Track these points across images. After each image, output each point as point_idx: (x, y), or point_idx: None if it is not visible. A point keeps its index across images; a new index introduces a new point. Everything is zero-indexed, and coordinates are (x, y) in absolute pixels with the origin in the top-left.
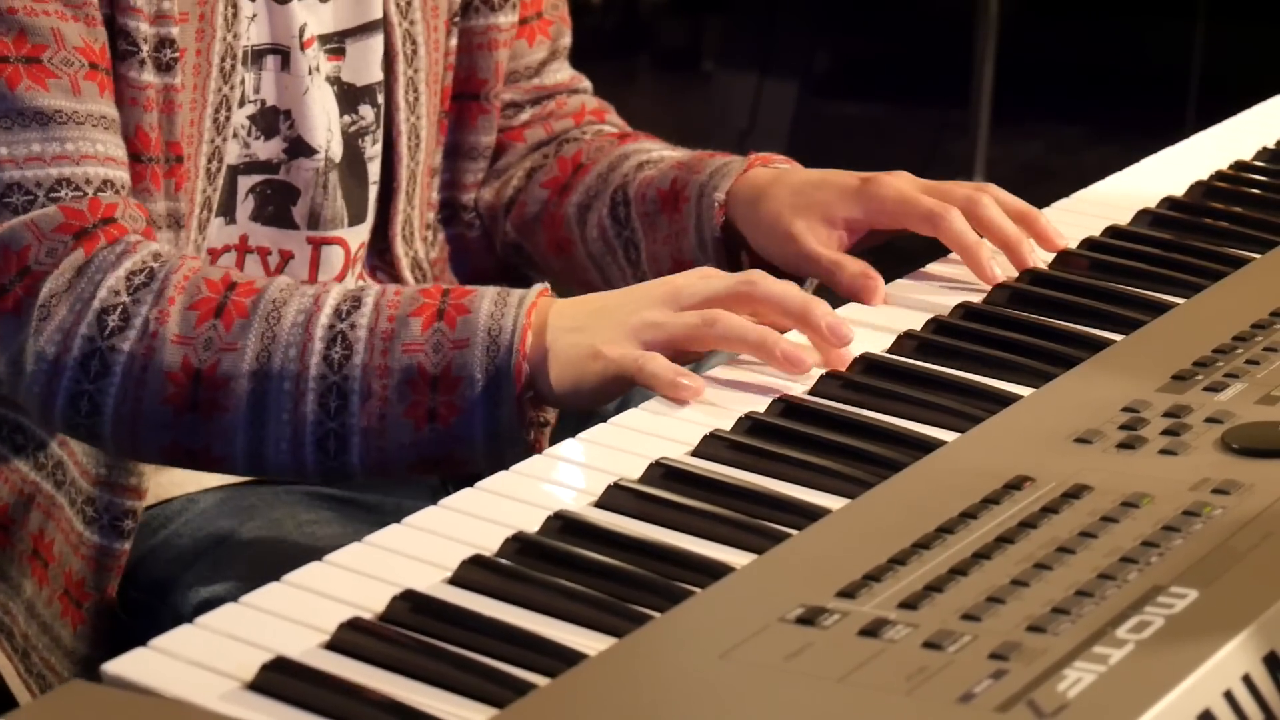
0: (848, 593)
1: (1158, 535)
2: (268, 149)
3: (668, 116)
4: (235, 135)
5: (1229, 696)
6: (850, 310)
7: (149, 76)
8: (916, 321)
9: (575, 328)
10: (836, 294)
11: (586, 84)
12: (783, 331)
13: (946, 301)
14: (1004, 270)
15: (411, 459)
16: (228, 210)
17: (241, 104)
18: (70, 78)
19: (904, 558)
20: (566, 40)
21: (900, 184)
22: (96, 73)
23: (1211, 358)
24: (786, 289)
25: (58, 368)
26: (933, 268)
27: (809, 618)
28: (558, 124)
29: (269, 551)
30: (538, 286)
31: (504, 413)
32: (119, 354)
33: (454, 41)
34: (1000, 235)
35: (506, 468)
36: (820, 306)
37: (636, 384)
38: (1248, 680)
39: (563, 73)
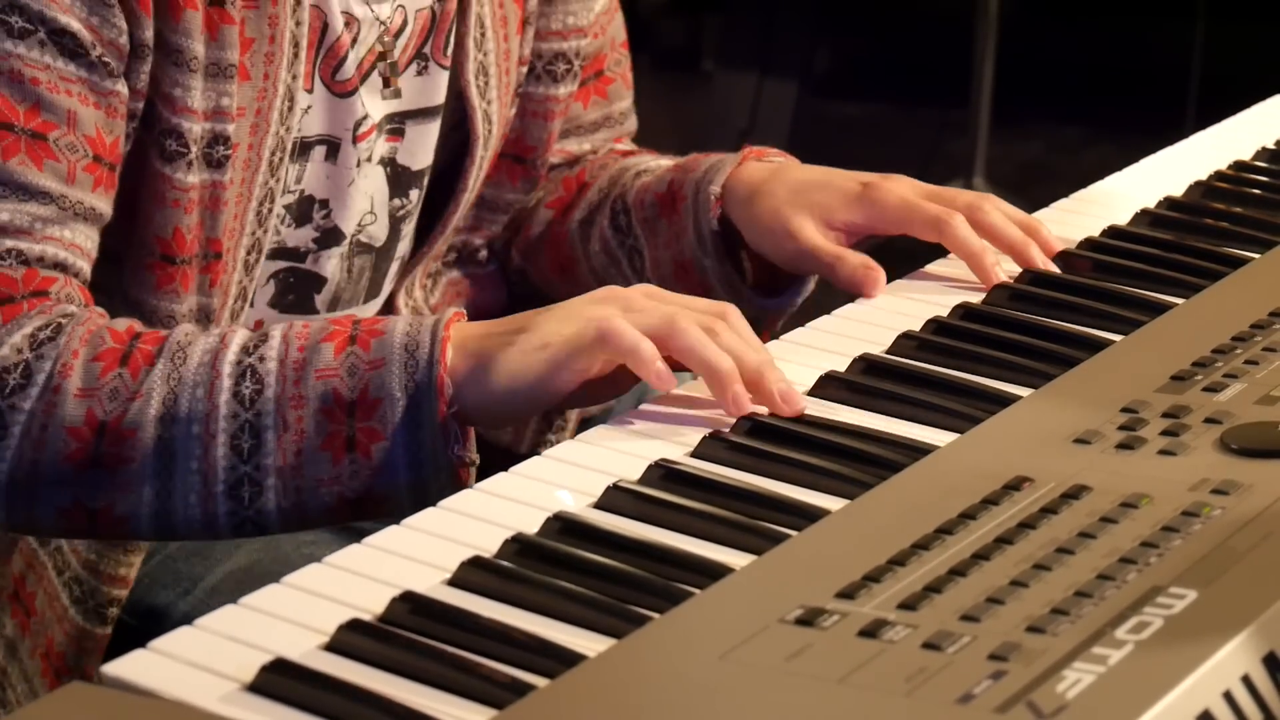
0: (847, 594)
1: (1157, 536)
2: (296, 236)
3: (668, 116)
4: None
5: (1228, 697)
6: (853, 308)
7: (194, 177)
8: (916, 322)
9: (511, 331)
10: (837, 289)
11: (631, 134)
12: None
13: (947, 301)
14: (1009, 275)
15: (331, 500)
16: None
17: (282, 194)
18: (70, 165)
19: (903, 559)
20: (622, 105)
21: (902, 189)
22: (98, 165)
23: (1211, 358)
24: (745, 346)
25: None
26: (933, 267)
27: (808, 619)
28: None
29: (267, 575)
30: (452, 309)
31: (426, 435)
32: (19, 413)
33: (513, 112)
34: (1005, 239)
35: (430, 503)
36: (774, 372)
37: (594, 361)
38: (1247, 681)
39: (608, 143)
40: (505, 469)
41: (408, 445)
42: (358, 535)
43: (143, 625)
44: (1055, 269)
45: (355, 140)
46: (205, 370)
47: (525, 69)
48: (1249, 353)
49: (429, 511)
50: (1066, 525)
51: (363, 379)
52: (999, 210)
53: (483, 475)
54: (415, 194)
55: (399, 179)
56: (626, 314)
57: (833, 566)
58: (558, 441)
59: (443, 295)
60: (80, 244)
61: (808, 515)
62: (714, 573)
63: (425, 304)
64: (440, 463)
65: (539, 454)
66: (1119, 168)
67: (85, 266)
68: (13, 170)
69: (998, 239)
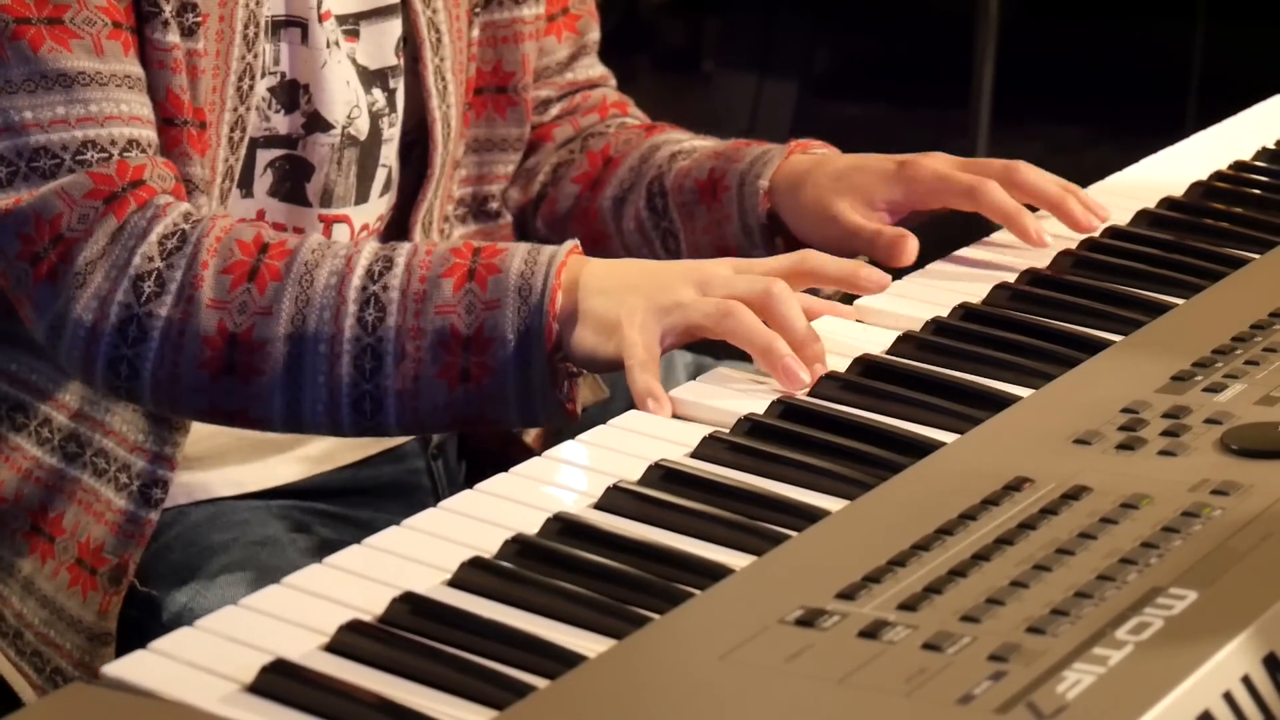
0: (847, 594)
1: (1157, 536)
2: (287, 123)
3: (668, 116)
4: (256, 107)
5: (1228, 698)
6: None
7: (174, 38)
8: (917, 322)
9: (606, 290)
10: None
11: (612, 80)
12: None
13: (947, 301)
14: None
15: (445, 419)
16: (246, 183)
17: (262, 75)
18: (93, 37)
19: (903, 559)
20: (594, 35)
21: (936, 163)
22: (120, 31)
23: (1211, 358)
24: (796, 317)
25: (95, 334)
26: (935, 266)
27: (808, 619)
28: (584, 119)
29: (265, 566)
30: (568, 244)
31: (535, 372)
32: (156, 319)
33: (475, 33)
34: (1045, 196)
35: (539, 425)
36: (779, 347)
37: (683, 338)
38: (1247, 681)
39: (594, 69)
40: (505, 469)
41: (518, 382)
42: (355, 531)
43: (141, 615)
44: (1097, 223)
45: (321, 20)
46: (332, 294)
47: None
48: (1249, 353)
49: (429, 512)
50: (1067, 526)
51: (479, 317)
52: (1034, 169)
53: (485, 476)
54: (378, 93)
55: (362, 77)
56: (698, 299)
57: (833, 567)
58: None
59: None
60: (139, 114)
61: (808, 516)
62: (714, 573)
63: None
64: (549, 398)
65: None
66: (1119, 168)
67: (153, 135)
68: (45, 60)
69: (1037, 195)
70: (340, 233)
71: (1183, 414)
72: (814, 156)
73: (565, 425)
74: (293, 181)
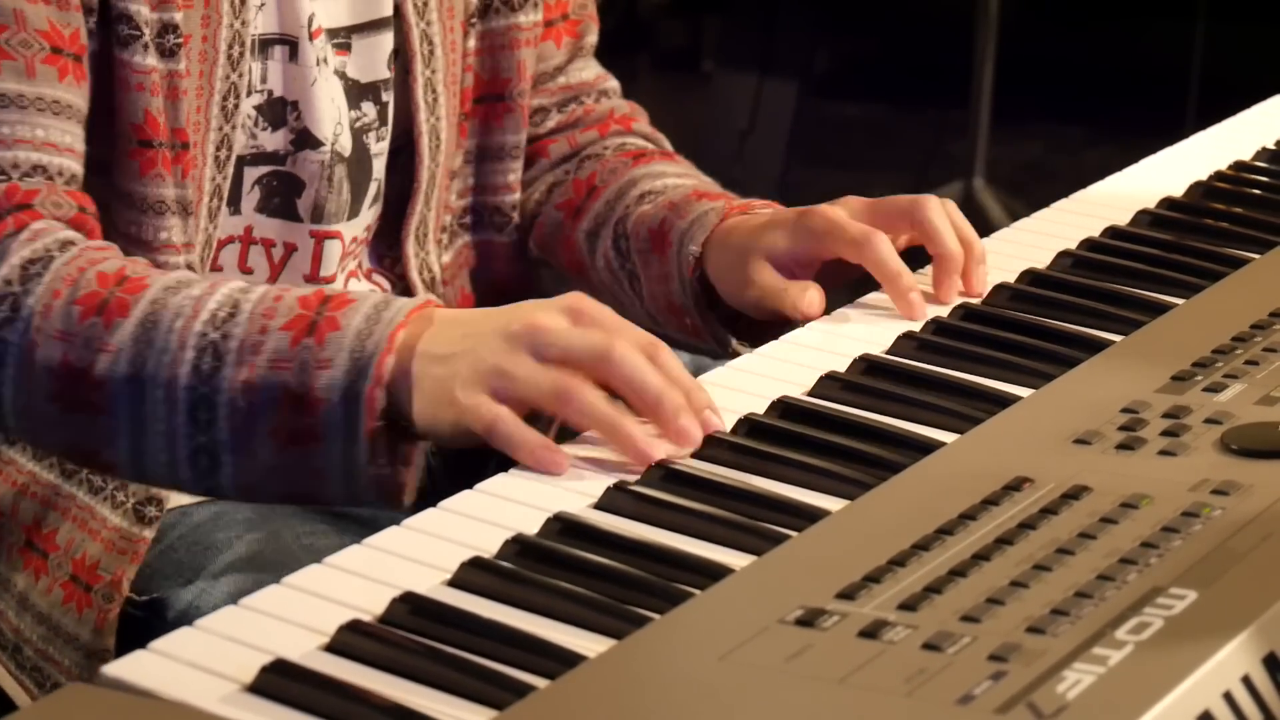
0: (847, 594)
1: (1157, 536)
2: (275, 140)
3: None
4: (242, 125)
5: (1228, 698)
6: (853, 309)
7: (153, 60)
8: (917, 322)
9: (441, 357)
10: (838, 291)
11: (614, 83)
12: None
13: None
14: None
15: (277, 486)
16: (234, 200)
17: (249, 93)
18: (27, 60)
19: (903, 559)
20: (592, 38)
21: (833, 212)
22: (59, 57)
23: (1211, 358)
24: (644, 372)
25: None
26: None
27: (808, 619)
28: (582, 136)
29: (269, 565)
30: (418, 299)
31: (358, 449)
32: (9, 346)
33: (471, 43)
34: (937, 244)
35: (364, 505)
36: (671, 401)
37: (483, 435)
38: (1247, 681)
39: (588, 70)
40: (506, 468)
41: (343, 453)
42: (358, 529)
43: (145, 616)
44: (954, 299)
45: (311, 38)
46: (173, 337)
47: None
48: (1249, 353)
49: (429, 512)
50: (1067, 526)
51: (311, 376)
52: (940, 211)
53: (486, 474)
54: (369, 106)
55: (351, 91)
56: (531, 370)
57: (833, 567)
58: None
59: (455, 257)
60: (56, 141)
61: (808, 516)
62: (714, 573)
63: (437, 261)
64: (367, 477)
65: None
66: (1119, 168)
67: (69, 164)
68: None
69: (930, 240)
70: (333, 249)
71: (1183, 414)
72: (741, 219)
73: (394, 510)
74: (282, 197)
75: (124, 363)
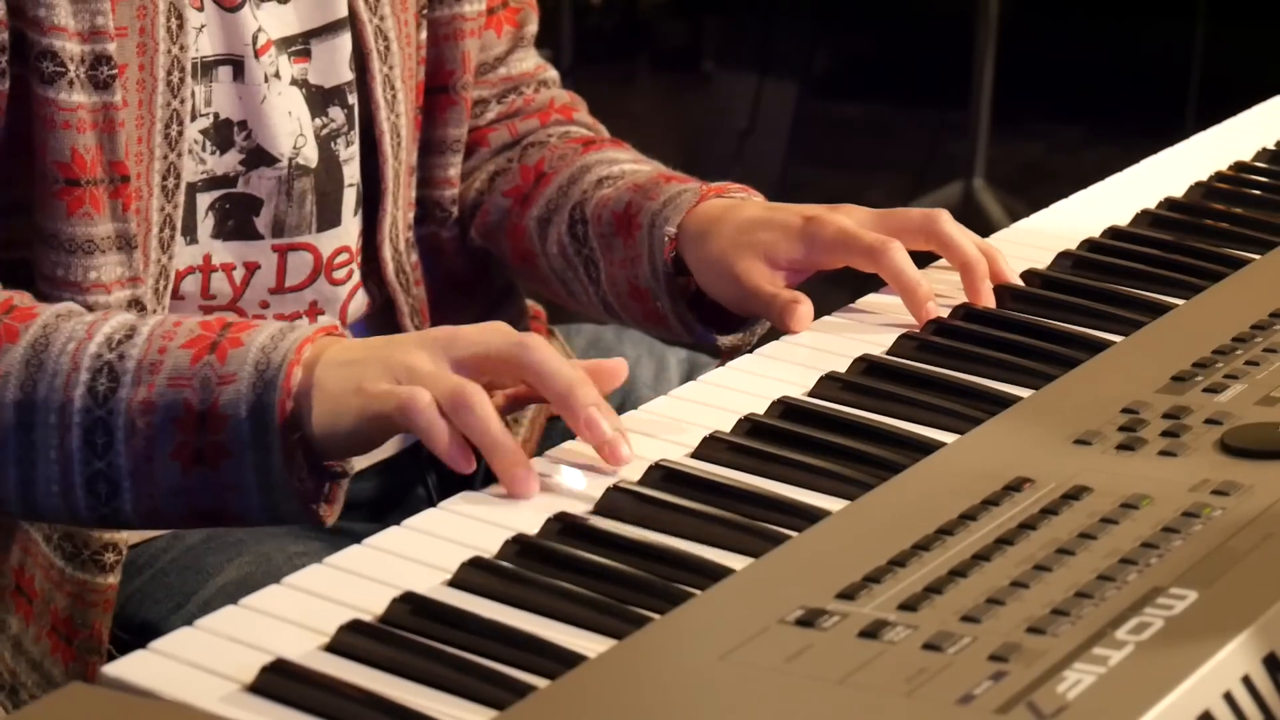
0: (847, 594)
1: (1157, 536)
2: (224, 163)
3: (668, 116)
4: (190, 151)
5: (1228, 698)
6: (853, 310)
7: (81, 97)
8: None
9: (346, 362)
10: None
11: (553, 73)
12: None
13: (947, 302)
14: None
15: (183, 509)
16: (188, 229)
17: (194, 118)
18: None
19: (904, 559)
20: (532, 28)
21: (842, 220)
22: None
23: (1211, 359)
24: (556, 365)
25: None
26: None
27: (809, 619)
28: (522, 124)
29: (260, 588)
30: (322, 323)
31: (274, 459)
32: None
33: (424, 35)
34: (959, 255)
35: (285, 523)
36: (584, 393)
37: (396, 426)
38: (1247, 681)
39: (528, 61)
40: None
41: (256, 466)
42: (352, 539)
43: (136, 641)
44: (991, 301)
45: (257, 55)
46: (65, 360)
47: None
48: (1249, 353)
49: (429, 512)
50: (1067, 526)
51: (214, 392)
52: (954, 224)
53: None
54: (338, 112)
55: (315, 98)
56: (435, 370)
57: (833, 567)
58: None
59: (416, 256)
60: None
61: (808, 516)
62: (714, 573)
63: (409, 260)
64: (289, 490)
65: (539, 455)
66: (1119, 168)
67: None
68: None
69: (951, 253)
70: (300, 262)
71: (1183, 414)
72: (725, 204)
73: (317, 527)
74: (237, 220)
75: (12, 388)
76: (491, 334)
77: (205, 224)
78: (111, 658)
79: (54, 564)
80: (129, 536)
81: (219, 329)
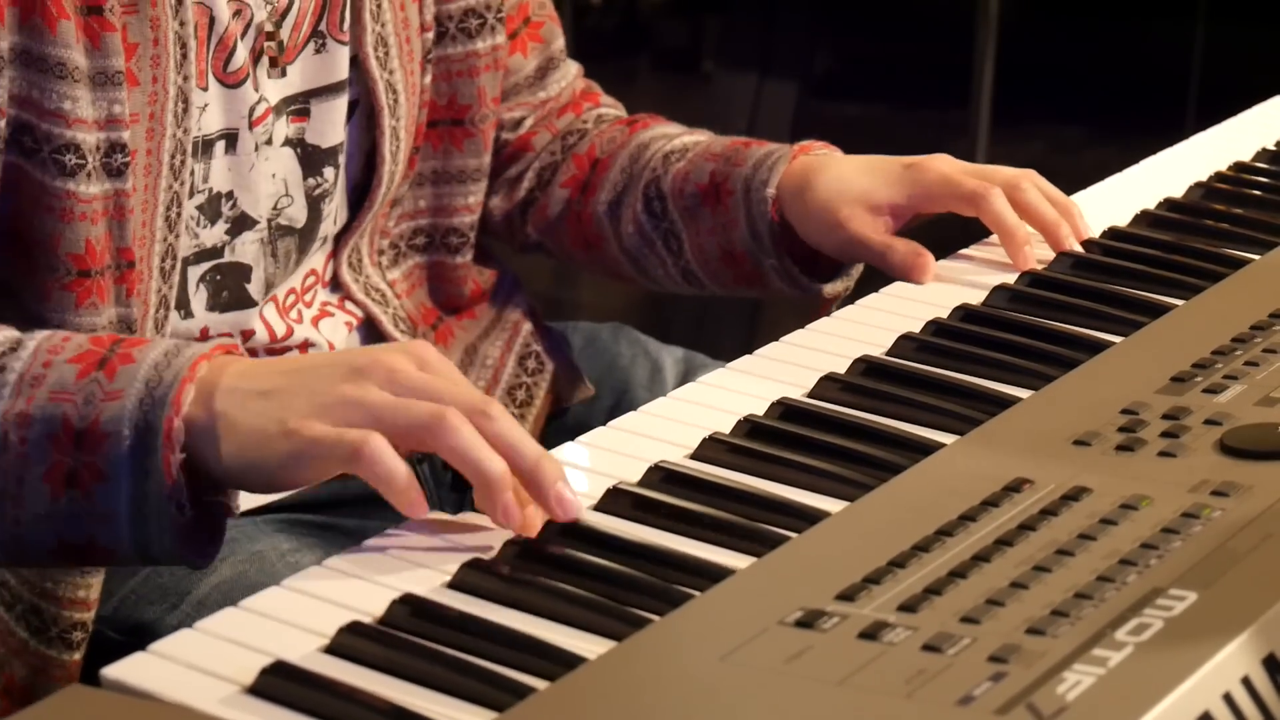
0: (847, 595)
1: (1157, 537)
2: (213, 234)
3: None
4: (186, 229)
5: (1228, 699)
6: (853, 310)
7: (96, 188)
8: (916, 323)
9: (261, 392)
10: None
11: (575, 66)
12: None
13: (947, 302)
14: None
15: (49, 539)
16: (182, 304)
17: (191, 195)
18: None
19: (903, 560)
20: (559, 42)
21: (943, 166)
22: None
23: (1210, 359)
24: (520, 435)
25: None
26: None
27: (808, 621)
28: (559, 121)
29: (254, 587)
30: (218, 341)
31: (152, 484)
32: None
33: (428, 79)
34: (1040, 219)
35: (159, 563)
36: (550, 470)
37: (339, 471)
38: (1247, 682)
39: (564, 80)
40: None
41: (131, 495)
42: (344, 542)
43: (129, 642)
44: (1079, 249)
45: (251, 126)
46: None
47: (430, 35)
48: (1249, 354)
49: (429, 513)
50: (1066, 527)
51: (96, 409)
52: (1037, 188)
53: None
54: (330, 171)
55: (310, 158)
56: (392, 400)
57: (833, 568)
58: None
59: (405, 277)
60: None
61: (807, 517)
62: (714, 575)
63: (384, 282)
64: (165, 522)
65: None
66: (1119, 168)
67: None
68: None
69: (1032, 217)
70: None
71: (1182, 415)
72: (819, 158)
73: (196, 568)
74: (230, 290)
75: None
76: (436, 383)
77: (198, 297)
78: (108, 646)
79: (15, 633)
80: (93, 616)
81: (109, 345)
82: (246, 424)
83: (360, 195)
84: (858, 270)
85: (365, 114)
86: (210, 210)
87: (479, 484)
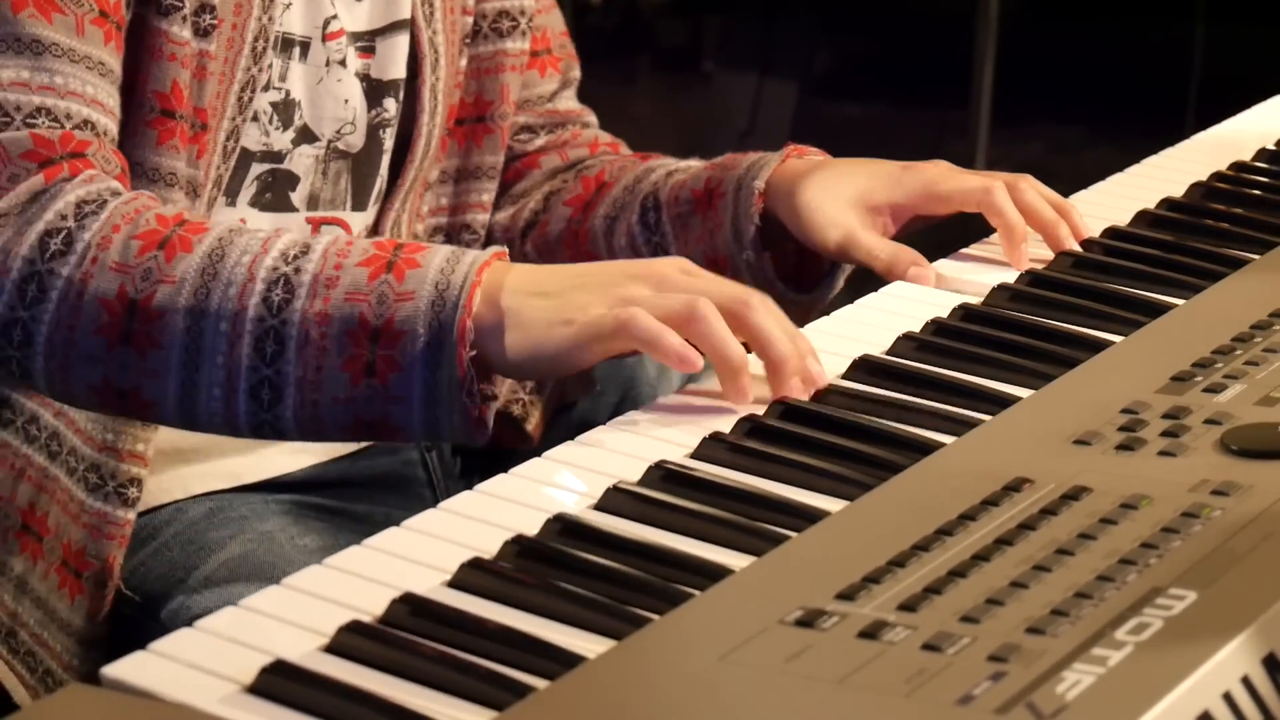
0: (847, 595)
1: (1157, 537)
2: (282, 139)
3: (668, 116)
4: (256, 119)
5: (1228, 698)
6: (853, 309)
7: (188, 35)
8: (916, 322)
9: (542, 292)
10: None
11: (594, 118)
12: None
13: (947, 302)
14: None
15: (346, 419)
16: (231, 192)
17: (265, 88)
18: (77, 18)
19: (903, 560)
20: (576, 74)
21: (941, 169)
22: (105, 21)
23: (1211, 359)
24: (771, 327)
25: None
26: (937, 266)
27: (808, 620)
28: (573, 152)
29: (261, 565)
30: (494, 248)
31: (444, 375)
32: (56, 278)
33: (464, 62)
34: (1039, 219)
35: (444, 439)
36: (793, 363)
37: (615, 346)
38: (1247, 682)
39: (573, 102)
40: (499, 461)
41: (425, 382)
42: (352, 530)
43: (138, 614)
44: (1075, 245)
45: (325, 39)
46: (241, 271)
47: (470, 20)
48: (1249, 354)
49: (429, 513)
50: (1066, 526)
51: (390, 308)
52: (1034, 189)
53: (480, 467)
54: (390, 103)
55: (374, 90)
56: (655, 294)
57: (832, 568)
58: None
59: None
60: (103, 100)
61: (807, 516)
62: (714, 574)
63: None
64: (455, 405)
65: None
66: (1119, 168)
67: (111, 125)
68: (22, 22)
69: (1031, 217)
70: (332, 234)
71: (1183, 414)
72: (812, 160)
73: (474, 444)
74: (275, 192)
75: (186, 294)
76: (701, 283)
77: (247, 190)
78: (117, 615)
79: (74, 497)
80: (148, 475)
81: (392, 249)
82: (531, 318)
83: (400, 159)
84: (839, 283)
85: (412, 67)
86: (284, 115)
87: (719, 367)
